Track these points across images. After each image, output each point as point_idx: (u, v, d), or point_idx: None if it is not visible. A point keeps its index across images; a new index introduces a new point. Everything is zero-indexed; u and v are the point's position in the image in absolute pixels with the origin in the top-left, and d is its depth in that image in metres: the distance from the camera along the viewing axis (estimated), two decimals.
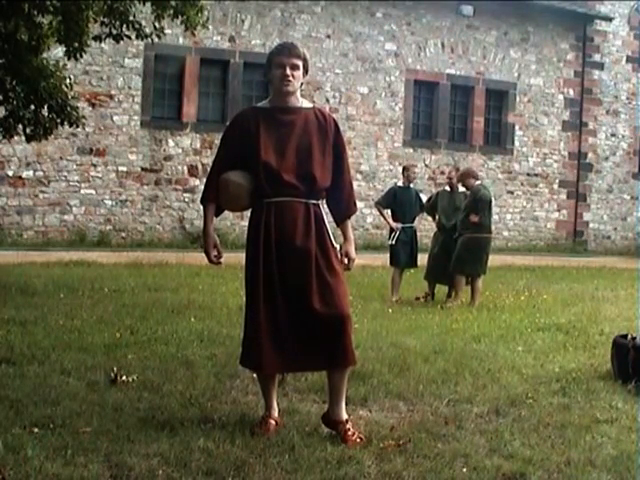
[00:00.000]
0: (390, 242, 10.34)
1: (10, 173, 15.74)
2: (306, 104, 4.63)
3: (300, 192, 4.41)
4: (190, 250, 15.85)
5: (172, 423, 4.50)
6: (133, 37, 9.23)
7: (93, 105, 16.19)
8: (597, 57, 21.62)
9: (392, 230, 10.35)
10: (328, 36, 18.42)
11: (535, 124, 20.85)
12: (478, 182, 10.24)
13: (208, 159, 17.18)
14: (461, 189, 10.58)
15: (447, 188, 10.79)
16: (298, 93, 4.56)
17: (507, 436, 4.62)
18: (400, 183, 10.65)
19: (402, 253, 10.26)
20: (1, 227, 15.60)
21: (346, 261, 4.60)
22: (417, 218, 10.77)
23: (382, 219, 10.98)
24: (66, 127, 10.28)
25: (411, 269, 10.74)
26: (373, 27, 18.86)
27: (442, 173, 19.32)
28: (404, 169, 10.63)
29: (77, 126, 10.11)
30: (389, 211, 10.53)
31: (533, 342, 7.56)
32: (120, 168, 16.57)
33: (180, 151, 17.12)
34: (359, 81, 18.76)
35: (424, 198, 11.03)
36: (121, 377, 5.33)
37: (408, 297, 10.41)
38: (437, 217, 10.67)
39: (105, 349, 6.33)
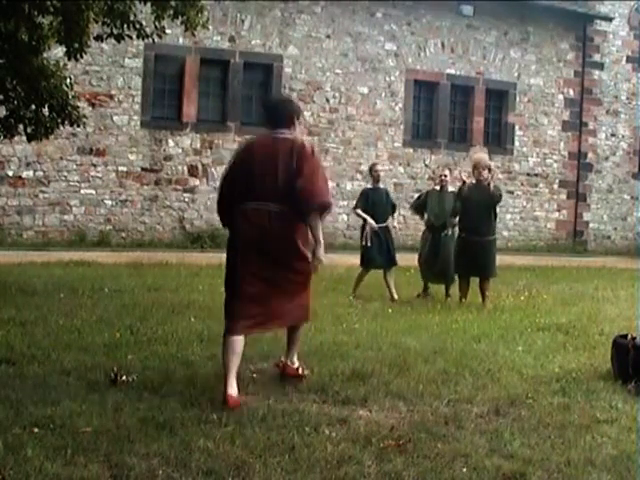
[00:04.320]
0: (365, 243, 10.26)
1: (10, 173, 15.73)
2: None
3: None
4: (190, 250, 15.86)
5: (172, 423, 4.51)
6: (134, 37, 9.22)
7: (93, 105, 16.17)
8: (597, 57, 21.60)
9: (364, 230, 10.29)
10: (328, 36, 18.40)
11: (535, 124, 20.84)
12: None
13: (208, 159, 17.19)
14: (450, 189, 10.75)
15: (437, 187, 10.96)
16: None
17: (507, 436, 4.63)
18: (370, 185, 10.65)
19: (377, 254, 10.25)
20: (1, 227, 15.59)
21: None
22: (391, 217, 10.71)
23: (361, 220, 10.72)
24: (66, 127, 10.29)
25: (390, 268, 10.55)
26: (373, 27, 18.84)
27: None
28: (370, 169, 10.65)
29: (78, 126, 10.10)
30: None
31: (533, 342, 7.56)
32: (120, 168, 16.56)
33: (180, 151, 17.11)
34: (359, 81, 18.75)
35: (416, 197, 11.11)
36: (121, 377, 5.34)
37: (407, 296, 10.42)
38: (426, 216, 10.81)
39: (105, 349, 6.33)
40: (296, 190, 5.08)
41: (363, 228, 10.35)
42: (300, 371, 5.64)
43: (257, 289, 5.15)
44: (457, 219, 10.40)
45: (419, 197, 11.27)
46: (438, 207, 10.63)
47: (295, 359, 5.67)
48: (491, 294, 10.08)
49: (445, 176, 10.95)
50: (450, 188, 10.84)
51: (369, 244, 10.20)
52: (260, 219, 5.12)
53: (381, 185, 10.63)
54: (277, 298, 5.22)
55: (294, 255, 5.22)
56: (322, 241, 5.21)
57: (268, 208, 5.11)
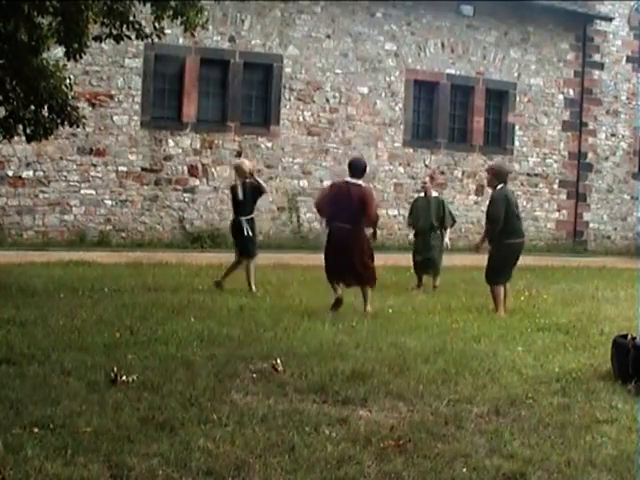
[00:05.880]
0: (247, 233, 10.57)
1: (10, 173, 15.71)
2: None
3: None
4: (190, 250, 15.86)
5: (172, 423, 4.51)
6: (133, 37, 9.22)
7: (93, 105, 16.16)
8: (597, 57, 21.59)
9: (240, 223, 10.59)
10: (328, 36, 18.39)
11: (535, 124, 20.83)
12: (501, 186, 9.67)
13: (208, 159, 17.19)
14: (434, 194, 11.95)
15: (422, 194, 12.08)
16: None
17: (507, 436, 4.63)
18: (238, 181, 10.87)
19: (250, 244, 10.64)
20: (1, 227, 15.58)
21: None
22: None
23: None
24: (66, 127, 10.28)
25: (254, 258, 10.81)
26: (373, 27, 18.83)
27: (442, 173, 19.35)
28: (235, 169, 11.14)
29: (77, 126, 10.10)
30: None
31: (533, 342, 7.56)
32: (120, 168, 16.55)
33: (180, 151, 17.10)
34: (359, 81, 18.74)
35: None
36: (121, 377, 5.34)
37: (406, 293, 10.44)
38: (415, 221, 11.89)
39: (105, 349, 6.34)
40: (365, 218, 9.02)
41: (234, 222, 10.72)
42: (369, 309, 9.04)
43: (338, 264, 9.08)
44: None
45: (410, 211, 12.24)
46: (425, 212, 11.73)
47: (368, 307, 9.07)
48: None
49: (425, 182, 12.19)
50: (434, 193, 11.99)
51: (251, 234, 10.58)
52: (343, 232, 8.92)
53: (247, 180, 10.82)
54: (346, 266, 9.07)
55: (360, 250, 9.09)
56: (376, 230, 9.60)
57: (347, 227, 8.90)
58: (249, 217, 10.74)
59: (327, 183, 9.89)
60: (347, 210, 8.89)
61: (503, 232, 9.41)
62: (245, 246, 10.67)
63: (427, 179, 12.44)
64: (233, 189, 10.86)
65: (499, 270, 9.48)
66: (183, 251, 15.40)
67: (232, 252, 11.18)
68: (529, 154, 20.76)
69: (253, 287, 10.36)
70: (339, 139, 18.51)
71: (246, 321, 7.89)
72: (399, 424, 4.75)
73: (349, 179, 9.18)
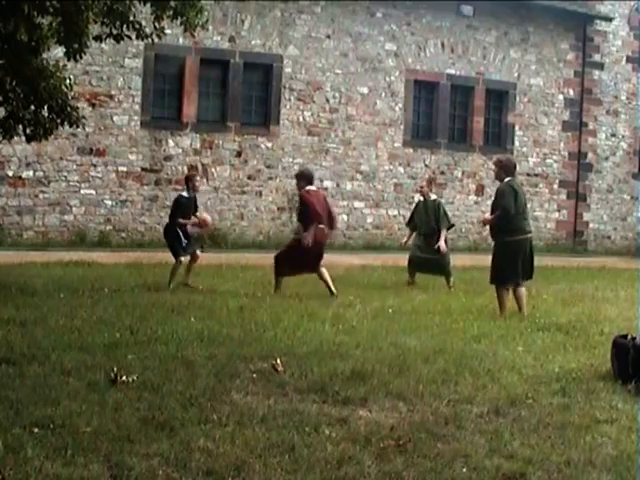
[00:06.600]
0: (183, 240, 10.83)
1: (10, 173, 15.71)
2: None
3: None
4: None
5: (172, 423, 4.51)
6: (133, 37, 9.23)
7: (93, 105, 16.16)
8: (597, 57, 21.58)
9: (184, 227, 10.85)
10: (328, 36, 18.39)
11: (535, 124, 20.82)
12: (508, 178, 9.44)
13: (208, 159, 17.19)
14: (433, 197, 12.04)
15: (421, 198, 12.19)
16: None
17: (507, 436, 4.63)
18: (185, 193, 11.10)
19: (188, 247, 10.84)
20: (1, 227, 15.58)
21: None
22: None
23: None
24: (66, 127, 10.29)
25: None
26: (373, 27, 18.83)
27: (442, 173, 19.34)
28: (187, 179, 11.34)
29: (77, 126, 10.11)
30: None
31: (533, 342, 7.57)
32: (120, 168, 16.55)
33: (180, 151, 17.10)
34: (359, 81, 18.74)
35: None
36: (121, 377, 5.34)
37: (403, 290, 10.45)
38: (416, 225, 12.03)
39: (105, 349, 6.34)
40: (332, 220, 10.59)
41: (180, 229, 10.84)
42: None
43: (308, 258, 10.19)
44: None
45: (411, 215, 12.45)
46: (424, 216, 11.87)
47: (334, 289, 10.25)
48: (492, 294, 10.00)
49: (422, 187, 12.35)
50: (432, 196, 12.05)
51: (185, 240, 10.84)
52: (323, 232, 10.28)
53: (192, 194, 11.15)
54: (312, 261, 10.23)
55: (323, 247, 10.49)
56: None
57: (324, 227, 10.27)
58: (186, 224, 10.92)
59: (312, 188, 10.51)
60: (324, 213, 10.41)
61: (505, 230, 9.23)
62: (178, 248, 10.81)
63: (424, 183, 12.52)
64: (179, 200, 11.02)
65: (502, 269, 9.26)
66: None
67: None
68: (529, 154, 20.75)
69: (171, 285, 10.40)
70: (339, 139, 18.51)
71: (246, 321, 7.89)
72: (399, 424, 4.75)
73: (312, 187, 10.50)
